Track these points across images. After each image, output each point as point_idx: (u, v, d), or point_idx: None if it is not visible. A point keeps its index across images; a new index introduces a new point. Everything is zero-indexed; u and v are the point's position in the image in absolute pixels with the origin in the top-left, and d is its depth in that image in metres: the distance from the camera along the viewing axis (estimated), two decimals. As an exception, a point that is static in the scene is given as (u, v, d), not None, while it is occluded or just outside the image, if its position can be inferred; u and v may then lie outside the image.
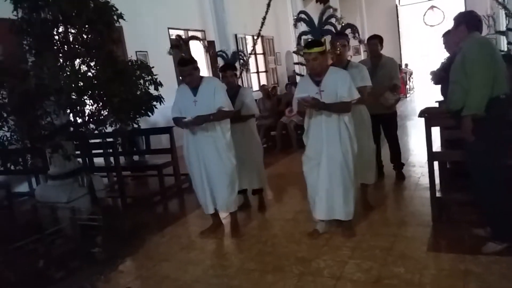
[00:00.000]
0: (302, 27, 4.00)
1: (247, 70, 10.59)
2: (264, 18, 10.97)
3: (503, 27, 11.02)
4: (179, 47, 3.70)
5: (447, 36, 4.64)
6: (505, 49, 10.27)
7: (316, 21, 4.72)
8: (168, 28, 9.75)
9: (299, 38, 4.66)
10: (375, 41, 4.96)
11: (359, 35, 4.37)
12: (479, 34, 3.14)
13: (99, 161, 6.00)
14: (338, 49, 3.76)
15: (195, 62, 3.84)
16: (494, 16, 12.73)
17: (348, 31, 4.47)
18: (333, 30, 4.15)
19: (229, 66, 4.59)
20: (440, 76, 4.72)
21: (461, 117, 3.00)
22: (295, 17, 4.32)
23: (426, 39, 18.81)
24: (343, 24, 4.24)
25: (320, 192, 3.53)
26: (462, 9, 18.10)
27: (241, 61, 5.08)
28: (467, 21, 3.13)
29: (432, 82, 4.54)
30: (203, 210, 4.08)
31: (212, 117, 3.73)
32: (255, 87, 12.71)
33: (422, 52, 19.34)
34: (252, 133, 4.54)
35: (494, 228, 3.10)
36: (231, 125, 4.04)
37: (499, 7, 10.25)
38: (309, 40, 3.67)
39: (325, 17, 3.75)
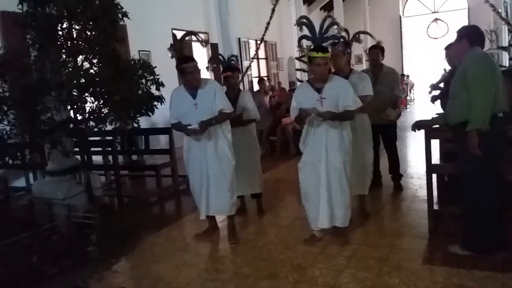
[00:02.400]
0: (305, 31, 3.99)
1: (244, 75, 10.61)
2: (268, 23, 11.01)
3: (505, 43, 11.07)
4: (177, 46, 3.67)
5: (449, 49, 4.65)
6: (507, 64, 10.34)
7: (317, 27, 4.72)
8: (172, 29, 9.77)
9: (299, 41, 4.66)
10: (377, 51, 4.97)
11: (349, 47, 4.30)
12: (480, 49, 3.15)
13: (97, 159, 5.99)
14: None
15: (195, 60, 3.80)
16: (497, 31, 12.81)
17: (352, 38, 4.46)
18: (338, 38, 4.13)
19: (233, 67, 4.60)
20: (438, 95, 4.74)
21: (460, 131, 3.03)
22: (296, 21, 4.32)
23: (429, 51, 18.87)
24: (342, 31, 4.24)
25: (321, 200, 3.51)
26: (466, 23, 18.23)
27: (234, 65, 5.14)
28: (470, 35, 3.13)
29: (430, 100, 4.59)
30: (200, 214, 4.05)
31: (214, 121, 3.71)
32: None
33: (424, 64, 19.39)
34: (253, 138, 4.54)
35: (468, 235, 3.23)
36: (232, 129, 4.03)
37: (502, 22, 10.30)
38: (316, 45, 3.64)
39: (326, 25, 3.75)
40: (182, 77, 3.82)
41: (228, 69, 4.51)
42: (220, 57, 4.95)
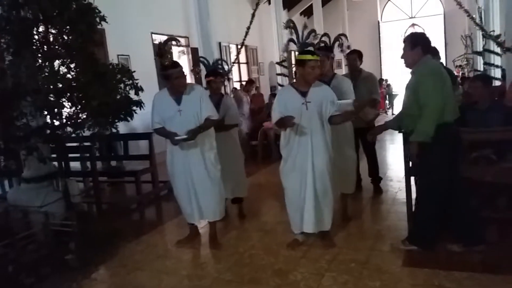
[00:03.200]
0: (289, 35, 4.04)
1: (229, 79, 10.60)
2: (248, 28, 11.03)
3: (480, 48, 11.34)
4: (163, 54, 3.63)
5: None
6: (481, 69, 10.60)
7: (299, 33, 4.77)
8: (152, 33, 9.69)
9: (288, 44, 4.70)
10: (354, 56, 5.02)
11: (342, 47, 4.40)
12: (431, 59, 3.33)
13: (75, 165, 5.87)
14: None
15: (181, 66, 3.76)
16: (472, 37, 13.12)
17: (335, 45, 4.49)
18: (316, 44, 4.18)
19: (218, 72, 4.58)
20: None
21: (410, 134, 3.25)
22: (284, 24, 4.37)
23: (406, 56, 19.15)
24: (321, 38, 4.29)
25: (307, 204, 3.50)
26: (442, 28, 18.64)
27: (221, 70, 5.09)
28: (424, 44, 3.26)
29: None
30: (186, 219, 4.00)
31: (201, 129, 3.66)
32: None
33: (402, 69, 19.67)
34: (235, 142, 4.54)
35: (413, 230, 3.47)
36: (215, 134, 4.01)
37: (477, 28, 10.55)
38: (306, 49, 3.65)
39: (306, 33, 3.82)
40: (167, 82, 3.75)
41: (211, 73, 4.49)
42: (204, 60, 4.88)
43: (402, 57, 3.36)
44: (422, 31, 19.06)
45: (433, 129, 3.09)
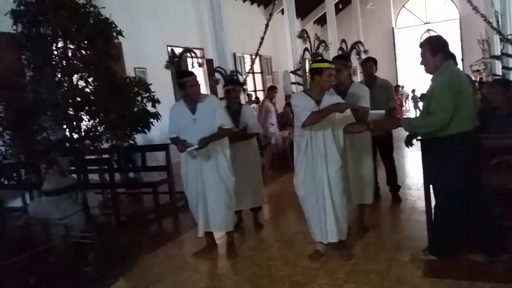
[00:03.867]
0: (300, 44, 4.06)
1: (244, 90, 10.64)
2: (262, 38, 11.10)
3: (497, 52, 11.17)
4: (173, 61, 3.69)
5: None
6: (500, 73, 10.43)
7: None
8: (167, 46, 9.83)
9: (304, 52, 4.71)
10: (371, 63, 4.99)
11: (360, 54, 4.39)
12: (452, 64, 3.24)
13: (94, 177, 5.95)
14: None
15: (195, 75, 3.80)
16: (489, 41, 12.95)
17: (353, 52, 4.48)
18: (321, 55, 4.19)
19: (237, 81, 4.63)
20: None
21: (433, 144, 3.21)
22: (298, 33, 4.39)
23: (422, 62, 19.00)
24: (340, 47, 4.29)
25: (328, 215, 3.47)
26: (458, 33, 18.43)
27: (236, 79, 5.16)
28: (444, 49, 3.17)
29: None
30: (198, 231, 4.01)
31: (214, 138, 3.69)
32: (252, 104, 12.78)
33: (418, 75, 19.51)
34: (255, 151, 4.57)
35: (432, 240, 3.43)
36: (236, 143, 4.03)
37: (494, 32, 10.40)
38: (320, 58, 3.67)
39: (317, 44, 3.83)
40: (182, 91, 3.80)
41: (229, 82, 4.54)
42: (221, 70, 4.95)
43: (422, 64, 3.26)
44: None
45: (420, 132, 3.21)
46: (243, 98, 12.03)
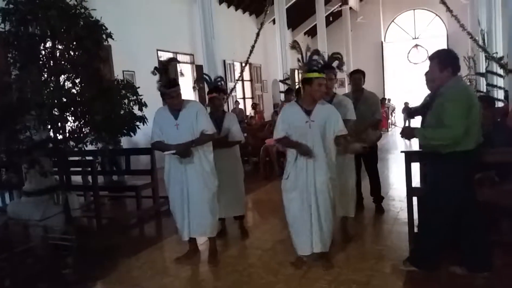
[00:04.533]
0: (291, 54, 4.08)
1: (228, 96, 10.70)
2: (253, 47, 11.18)
3: (483, 69, 11.40)
4: (161, 69, 3.67)
5: (429, 74, 4.77)
6: (484, 90, 10.64)
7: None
8: (157, 50, 9.82)
9: (298, 61, 4.72)
10: (359, 75, 5.04)
11: (344, 66, 4.41)
12: (461, 79, 3.20)
13: (76, 179, 5.88)
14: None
15: (178, 84, 3.79)
16: (475, 58, 13.20)
17: (335, 64, 4.51)
18: (321, 62, 4.22)
19: (220, 89, 4.62)
20: (414, 111, 4.89)
21: (433, 157, 3.14)
22: (291, 44, 4.40)
23: (410, 76, 19.31)
24: (329, 55, 4.31)
25: (314, 225, 3.47)
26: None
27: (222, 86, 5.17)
28: (454, 64, 3.08)
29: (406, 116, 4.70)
30: (182, 235, 3.99)
31: (194, 143, 3.69)
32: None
33: (405, 89, 19.81)
34: (237, 159, 4.55)
35: (415, 251, 3.40)
36: (217, 151, 4.02)
37: (479, 49, 10.62)
38: (313, 67, 3.67)
39: (309, 54, 3.85)
40: (164, 99, 3.81)
41: (213, 90, 4.52)
42: (206, 77, 4.92)
43: (427, 77, 3.21)
44: (425, 52, 19.30)
45: (434, 144, 3.05)
46: (231, 105, 12.08)
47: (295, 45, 4.24)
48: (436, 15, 18.93)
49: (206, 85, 4.90)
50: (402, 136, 3.37)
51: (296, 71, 14.69)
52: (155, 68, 3.78)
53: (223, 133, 4.34)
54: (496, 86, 9.72)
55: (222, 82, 4.95)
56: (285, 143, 3.57)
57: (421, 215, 3.46)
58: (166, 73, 3.73)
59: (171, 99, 3.69)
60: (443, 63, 3.07)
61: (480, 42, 9.99)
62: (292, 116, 3.54)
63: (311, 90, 3.46)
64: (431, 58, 3.17)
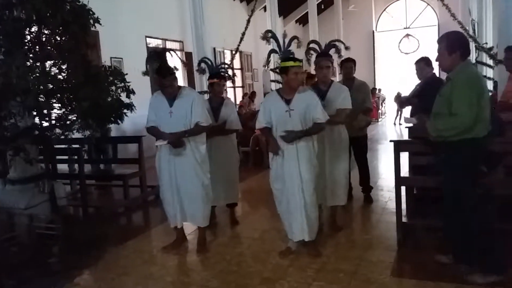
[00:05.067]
0: (274, 45, 4.01)
1: (234, 82, 10.59)
2: (243, 34, 11.06)
3: (473, 59, 11.45)
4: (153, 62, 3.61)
5: (419, 63, 4.77)
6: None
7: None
8: (146, 37, 9.70)
9: (269, 55, 4.67)
10: (351, 64, 5.02)
11: (340, 53, 4.37)
12: (470, 64, 3.08)
13: (63, 167, 5.81)
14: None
15: (174, 72, 3.73)
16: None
17: (332, 51, 4.46)
18: (318, 49, 4.18)
19: (222, 75, 4.54)
20: (405, 101, 4.89)
21: (438, 144, 3.00)
22: (262, 35, 4.34)
23: (401, 66, 19.35)
24: (326, 43, 4.26)
25: (299, 213, 3.47)
26: (436, 39, 18.78)
27: (224, 74, 5.08)
28: (462, 48, 2.95)
29: (397, 105, 4.68)
30: (170, 223, 3.96)
31: (187, 134, 3.65)
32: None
33: (396, 78, 19.86)
34: (234, 148, 4.54)
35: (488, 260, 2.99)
36: (214, 138, 3.98)
37: (470, 39, 10.65)
38: (288, 56, 3.64)
39: (287, 41, 3.80)
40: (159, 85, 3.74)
41: (214, 76, 4.44)
42: (207, 61, 4.78)
43: (437, 60, 3.06)
44: (416, 41, 19.33)
45: (446, 135, 2.89)
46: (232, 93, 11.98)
47: (266, 36, 4.19)
48: (428, 4, 18.92)
49: (207, 70, 4.76)
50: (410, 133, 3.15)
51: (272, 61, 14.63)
52: (150, 54, 3.72)
53: (220, 120, 4.30)
54: (485, 76, 9.78)
55: (224, 69, 4.88)
56: (265, 133, 3.60)
57: (454, 223, 3.08)
58: (163, 62, 3.68)
59: (166, 88, 3.64)
60: (452, 46, 2.94)
61: (471, 32, 10.02)
62: (272, 105, 3.54)
63: (287, 79, 3.45)
64: (440, 41, 3.04)
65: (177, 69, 3.81)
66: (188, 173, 3.75)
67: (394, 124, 13.85)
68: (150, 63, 3.86)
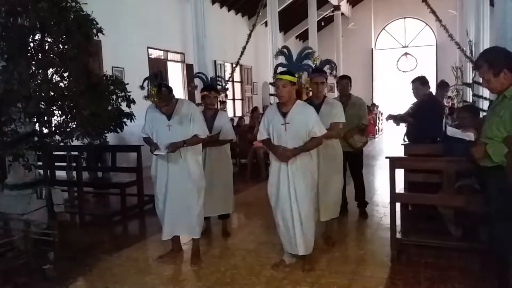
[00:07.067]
0: (280, 59, 4.11)
1: (226, 95, 10.65)
2: (244, 48, 11.19)
3: (469, 79, 11.59)
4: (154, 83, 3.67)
5: (415, 83, 4.85)
6: (471, 100, 10.81)
7: (294, 56, 4.84)
8: (148, 47, 9.78)
9: (275, 69, 4.77)
10: (347, 81, 5.09)
11: (336, 71, 4.49)
12: None
13: (61, 174, 5.83)
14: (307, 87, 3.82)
15: (172, 90, 3.76)
16: (462, 68, 13.41)
17: (326, 67, 4.55)
18: (312, 66, 4.27)
19: (213, 87, 4.63)
20: (399, 118, 4.95)
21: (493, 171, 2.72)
22: (277, 50, 4.44)
23: (398, 84, 19.51)
24: (321, 60, 4.37)
25: (296, 227, 3.48)
26: (434, 59, 19.01)
27: (219, 87, 5.15)
28: (509, 64, 2.67)
29: (395, 124, 4.76)
30: (163, 235, 3.97)
31: (185, 144, 3.69)
32: (230, 113, 12.82)
33: (393, 96, 20.01)
34: (228, 158, 4.57)
35: None
36: (208, 149, 4.01)
37: (467, 60, 10.81)
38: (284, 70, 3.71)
39: (303, 54, 3.89)
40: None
41: (205, 88, 4.53)
42: (202, 75, 4.91)
43: (484, 86, 2.81)
44: (414, 60, 19.54)
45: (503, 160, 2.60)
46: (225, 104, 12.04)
47: (282, 51, 4.30)
48: (426, 24, 19.17)
49: (202, 84, 4.87)
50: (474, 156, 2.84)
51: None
52: (149, 76, 3.79)
53: (214, 131, 4.35)
54: (481, 96, 9.87)
55: (219, 82, 4.97)
56: (266, 144, 3.63)
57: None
58: (159, 79, 3.74)
59: (161, 103, 3.67)
60: (495, 67, 2.68)
61: (468, 53, 10.15)
62: (271, 117, 3.59)
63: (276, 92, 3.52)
64: (478, 66, 2.76)
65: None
66: (184, 183, 3.77)
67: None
68: (150, 83, 3.87)
